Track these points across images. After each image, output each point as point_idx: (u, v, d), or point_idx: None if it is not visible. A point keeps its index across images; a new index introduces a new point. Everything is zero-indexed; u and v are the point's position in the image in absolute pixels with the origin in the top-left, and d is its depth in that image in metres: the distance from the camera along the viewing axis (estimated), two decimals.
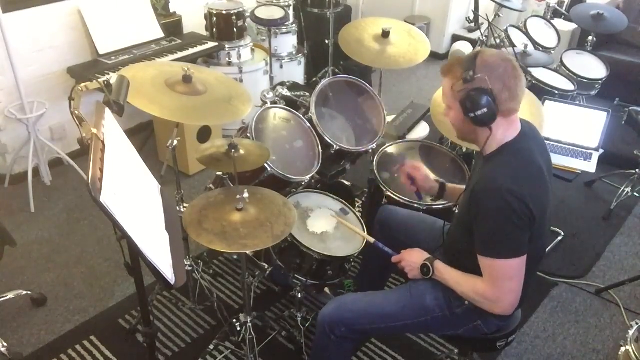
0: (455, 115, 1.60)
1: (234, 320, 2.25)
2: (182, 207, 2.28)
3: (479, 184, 1.55)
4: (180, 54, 3.47)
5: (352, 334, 1.82)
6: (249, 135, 2.25)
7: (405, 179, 2.09)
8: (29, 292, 2.53)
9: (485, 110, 1.51)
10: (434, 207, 2.31)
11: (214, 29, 3.73)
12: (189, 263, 2.40)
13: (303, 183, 2.37)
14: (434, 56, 5.10)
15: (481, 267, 1.59)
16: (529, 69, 3.27)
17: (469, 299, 1.66)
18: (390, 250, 1.94)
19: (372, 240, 2.02)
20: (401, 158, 2.56)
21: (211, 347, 2.28)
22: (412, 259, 1.81)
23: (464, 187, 2.02)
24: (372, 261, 2.29)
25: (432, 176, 2.15)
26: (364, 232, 2.18)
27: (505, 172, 1.53)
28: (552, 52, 3.78)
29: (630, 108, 3.31)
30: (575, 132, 2.89)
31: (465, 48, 5.14)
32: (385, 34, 2.83)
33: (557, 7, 4.66)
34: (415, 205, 2.30)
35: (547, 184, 1.59)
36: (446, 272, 1.72)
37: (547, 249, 2.90)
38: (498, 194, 1.49)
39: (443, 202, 2.32)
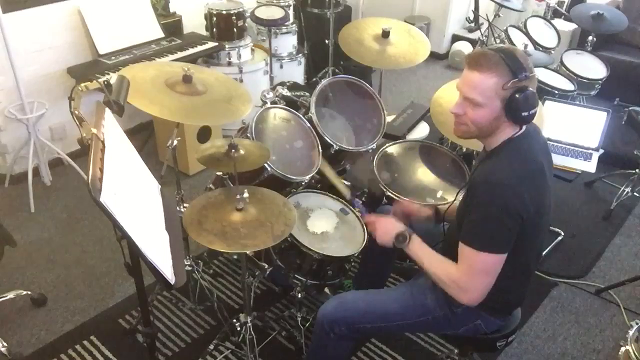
0: (485, 113, 1.54)
1: (234, 320, 2.25)
2: (182, 207, 2.28)
3: (478, 176, 1.56)
4: (180, 54, 3.47)
5: (352, 332, 1.81)
6: (249, 135, 2.25)
7: (402, 217, 2.00)
8: (29, 292, 2.53)
9: (537, 109, 1.52)
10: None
11: (214, 29, 3.73)
12: (189, 263, 2.40)
13: (303, 183, 2.37)
14: (434, 56, 5.10)
15: (460, 253, 1.58)
16: None
17: (438, 281, 1.65)
18: (365, 208, 1.95)
19: (348, 196, 2.06)
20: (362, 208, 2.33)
21: (211, 347, 2.28)
22: (387, 224, 1.80)
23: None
24: (371, 261, 2.29)
25: (423, 205, 2.08)
26: (364, 231, 2.19)
27: (506, 168, 1.53)
28: (552, 52, 3.78)
29: (630, 108, 3.31)
30: (575, 132, 2.89)
31: (465, 48, 5.14)
32: (385, 34, 2.83)
33: (557, 7, 4.66)
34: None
35: (548, 183, 1.59)
36: (421, 248, 1.71)
37: (547, 249, 2.90)
38: (496, 188, 1.50)
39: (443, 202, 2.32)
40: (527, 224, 1.52)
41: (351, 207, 2.34)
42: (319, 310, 1.84)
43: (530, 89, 1.50)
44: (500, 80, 1.49)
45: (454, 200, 1.83)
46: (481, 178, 1.55)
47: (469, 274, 1.57)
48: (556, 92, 3.24)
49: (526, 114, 1.51)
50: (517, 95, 1.48)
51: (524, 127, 1.60)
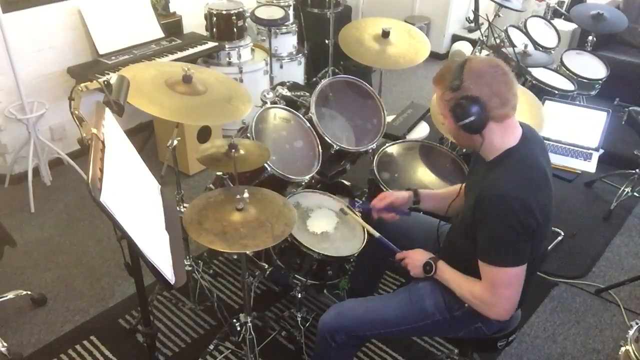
0: (449, 123, 1.59)
1: (234, 320, 2.25)
2: (182, 207, 2.28)
3: (485, 190, 1.54)
4: (180, 54, 3.47)
5: (353, 340, 1.82)
6: (249, 135, 2.25)
7: (385, 213, 2.01)
8: (29, 292, 2.53)
9: (473, 118, 1.50)
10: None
11: (214, 29, 3.73)
12: (189, 263, 2.40)
13: (303, 183, 2.37)
14: (434, 56, 5.10)
15: (481, 272, 1.59)
16: (529, 69, 3.27)
17: (467, 301, 1.67)
18: (394, 246, 1.95)
19: (376, 234, 2.01)
20: (354, 205, 2.30)
21: (211, 347, 2.28)
22: (416, 256, 1.82)
23: (435, 190, 2.03)
24: (367, 260, 2.28)
25: (399, 191, 2.06)
26: (364, 232, 2.19)
27: (512, 180, 1.52)
28: (552, 52, 3.78)
29: (630, 108, 3.31)
30: (575, 132, 2.89)
31: (465, 48, 5.14)
32: (385, 34, 2.83)
33: (557, 7, 4.66)
34: (414, 206, 2.30)
35: (551, 189, 1.59)
36: (447, 272, 1.72)
37: (547, 249, 2.90)
38: (505, 202, 1.48)
39: None
40: (536, 232, 1.52)
41: (351, 208, 2.33)
42: (320, 320, 1.84)
43: (481, 95, 1.48)
44: (442, 90, 1.56)
45: (457, 195, 1.83)
46: (487, 192, 1.52)
47: (492, 290, 1.57)
48: (556, 92, 3.24)
49: (462, 123, 1.51)
50: (454, 104, 1.51)
51: (519, 134, 1.58)
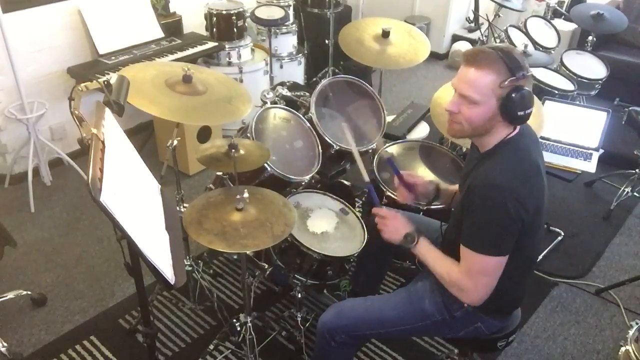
0: (481, 111, 1.51)
1: (234, 320, 2.25)
2: (182, 207, 2.28)
3: (476, 179, 1.54)
4: (180, 54, 3.47)
5: (352, 339, 1.82)
6: (249, 135, 2.25)
7: (403, 188, 2.01)
8: (29, 292, 2.53)
9: (532, 109, 1.50)
10: (432, 207, 2.30)
11: (214, 29, 3.73)
12: (189, 263, 2.40)
13: (303, 183, 2.37)
14: (434, 56, 5.10)
15: (461, 256, 1.58)
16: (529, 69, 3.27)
17: (441, 281, 1.66)
18: (378, 200, 1.92)
19: (367, 179, 1.95)
20: (390, 164, 2.28)
21: (211, 347, 2.28)
22: (396, 222, 1.78)
23: (456, 186, 2.02)
24: (368, 260, 2.28)
25: (427, 178, 2.08)
26: (364, 231, 2.19)
27: (505, 170, 1.52)
28: (552, 52, 3.78)
29: (630, 108, 3.31)
30: (575, 132, 2.89)
31: (465, 48, 5.14)
32: (385, 34, 2.83)
33: (557, 7, 4.66)
34: (414, 206, 2.30)
35: (544, 182, 1.59)
36: (427, 249, 1.71)
37: (547, 249, 2.90)
38: (496, 191, 1.49)
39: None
40: (526, 225, 1.52)
41: (351, 207, 2.34)
42: (319, 319, 1.84)
43: (527, 88, 1.50)
44: (498, 78, 1.47)
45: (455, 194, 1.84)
46: (479, 181, 1.53)
47: (469, 275, 1.57)
48: (556, 92, 3.24)
49: (522, 113, 1.49)
50: (513, 95, 1.47)
51: (518, 127, 1.59)
